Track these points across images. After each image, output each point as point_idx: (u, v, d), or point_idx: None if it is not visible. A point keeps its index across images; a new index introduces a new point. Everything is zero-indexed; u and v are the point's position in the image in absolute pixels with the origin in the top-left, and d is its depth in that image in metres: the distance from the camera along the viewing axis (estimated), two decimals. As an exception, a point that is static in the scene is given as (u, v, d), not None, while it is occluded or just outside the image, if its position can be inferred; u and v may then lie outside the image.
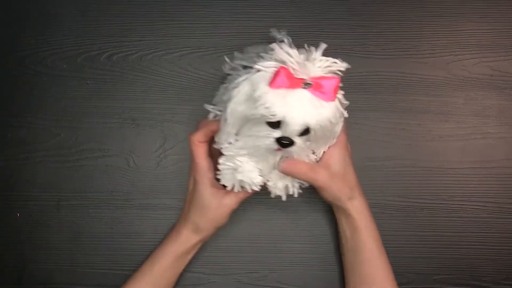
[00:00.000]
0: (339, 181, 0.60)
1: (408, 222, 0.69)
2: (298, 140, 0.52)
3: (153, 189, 0.69)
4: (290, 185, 0.60)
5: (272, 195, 0.61)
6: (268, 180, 0.59)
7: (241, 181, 0.58)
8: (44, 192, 0.69)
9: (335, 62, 0.53)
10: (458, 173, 0.69)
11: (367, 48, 0.70)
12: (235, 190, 0.59)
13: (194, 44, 0.70)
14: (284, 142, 0.52)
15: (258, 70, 0.52)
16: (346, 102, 0.54)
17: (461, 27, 0.71)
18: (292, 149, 0.53)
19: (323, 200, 0.62)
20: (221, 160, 0.58)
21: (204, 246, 0.68)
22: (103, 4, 0.71)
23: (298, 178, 0.59)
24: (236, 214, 0.69)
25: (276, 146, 0.52)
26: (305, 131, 0.52)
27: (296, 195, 0.61)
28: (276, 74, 0.50)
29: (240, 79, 0.53)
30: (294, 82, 0.50)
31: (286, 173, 0.58)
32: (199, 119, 0.69)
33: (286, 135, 0.51)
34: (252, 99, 0.51)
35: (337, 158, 0.59)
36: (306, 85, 0.51)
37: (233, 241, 0.69)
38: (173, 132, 0.70)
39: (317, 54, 0.52)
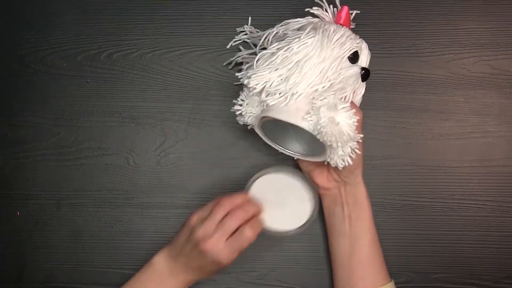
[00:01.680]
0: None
1: (408, 220, 0.69)
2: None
3: (153, 188, 0.69)
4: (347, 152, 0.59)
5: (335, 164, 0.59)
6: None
7: (339, 134, 0.55)
8: (44, 191, 0.69)
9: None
10: (458, 171, 0.69)
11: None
12: (321, 139, 0.56)
13: (194, 43, 0.70)
14: (364, 72, 0.61)
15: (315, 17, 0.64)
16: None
17: (461, 26, 0.71)
18: (363, 86, 0.62)
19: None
20: (323, 110, 0.55)
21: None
22: (103, 2, 0.71)
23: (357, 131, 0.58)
24: (236, 212, 0.69)
25: (359, 76, 0.60)
26: (367, 75, 0.62)
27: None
28: (340, 11, 0.63)
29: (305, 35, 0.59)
30: (348, 23, 0.63)
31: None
32: (199, 118, 0.70)
33: (364, 65, 0.61)
34: (325, 44, 0.58)
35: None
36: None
37: (233, 239, 0.69)
38: (173, 130, 0.70)
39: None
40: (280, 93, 0.57)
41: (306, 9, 0.64)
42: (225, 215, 0.58)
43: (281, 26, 0.64)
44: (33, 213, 0.69)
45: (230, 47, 0.70)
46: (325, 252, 0.68)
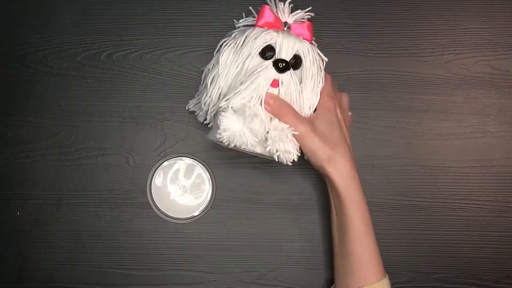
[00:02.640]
0: (320, 138, 0.58)
1: (408, 220, 0.69)
2: (291, 70, 0.58)
3: (153, 188, 0.69)
4: (287, 148, 0.58)
5: (273, 158, 0.59)
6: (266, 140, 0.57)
7: (232, 138, 0.56)
8: (44, 191, 0.69)
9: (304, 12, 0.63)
10: (458, 171, 0.69)
11: (366, 46, 0.70)
12: (230, 147, 0.57)
13: (194, 43, 0.70)
14: (281, 64, 0.57)
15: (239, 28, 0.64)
16: (325, 58, 0.62)
17: (461, 26, 0.71)
18: (290, 75, 0.58)
19: (312, 167, 0.61)
20: (222, 115, 0.56)
21: (204, 245, 0.68)
22: (103, 2, 0.71)
23: (282, 120, 0.58)
24: (236, 213, 0.69)
25: (272, 69, 0.57)
26: (296, 64, 0.58)
27: (290, 161, 0.58)
28: (261, 11, 0.60)
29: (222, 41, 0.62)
30: (277, 21, 0.60)
31: (272, 111, 0.58)
32: (199, 117, 0.69)
33: (282, 57, 0.58)
34: (240, 47, 0.59)
35: (322, 117, 0.60)
36: (286, 27, 0.60)
37: (233, 239, 0.69)
38: (173, 130, 0.70)
39: (284, 6, 0.62)
40: (199, 112, 0.64)
41: (236, 24, 0.66)
42: None
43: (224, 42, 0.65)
44: (33, 213, 0.69)
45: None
46: (325, 252, 0.68)
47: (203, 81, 0.63)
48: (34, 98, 0.70)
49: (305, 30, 0.61)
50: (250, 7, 0.64)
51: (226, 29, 0.70)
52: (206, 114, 0.63)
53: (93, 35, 0.71)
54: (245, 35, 0.59)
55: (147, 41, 0.70)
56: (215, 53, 0.63)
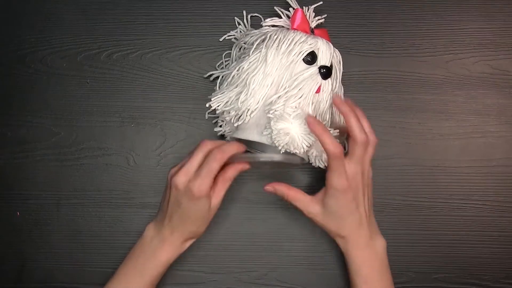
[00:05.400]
0: (334, 222, 0.60)
1: (408, 221, 0.69)
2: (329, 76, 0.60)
3: (153, 188, 0.69)
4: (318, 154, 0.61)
5: (309, 161, 0.63)
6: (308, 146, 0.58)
7: (292, 142, 0.57)
8: (44, 191, 0.69)
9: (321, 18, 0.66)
10: (458, 171, 0.69)
11: (366, 46, 0.70)
12: (282, 151, 0.58)
13: (194, 43, 0.70)
14: (324, 70, 0.59)
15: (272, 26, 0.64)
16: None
17: (461, 26, 0.71)
18: (328, 82, 0.60)
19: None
20: (272, 123, 0.57)
21: (203, 245, 0.68)
22: (103, 2, 0.71)
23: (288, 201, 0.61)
24: (236, 213, 0.69)
25: (318, 75, 0.59)
26: (328, 72, 0.60)
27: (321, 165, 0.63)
28: (293, 15, 0.61)
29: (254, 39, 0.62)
30: (306, 25, 0.62)
31: (274, 190, 0.61)
32: (199, 118, 0.70)
33: (324, 63, 0.59)
34: (286, 49, 0.59)
35: (339, 200, 0.58)
36: (312, 31, 0.62)
37: (233, 239, 0.69)
38: (173, 131, 0.70)
39: (310, 11, 0.66)
40: (235, 112, 0.60)
41: (262, 22, 0.65)
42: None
43: (241, 40, 0.66)
44: (33, 213, 0.69)
45: (223, 40, 0.70)
46: (325, 252, 0.68)
47: (231, 80, 0.61)
48: (34, 98, 0.70)
49: (326, 35, 0.63)
50: (276, 7, 0.66)
51: (226, 29, 0.70)
52: (238, 114, 0.60)
53: (93, 35, 0.71)
54: (291, 38, 0.59)
55: (147, 41, 0.70)
56: (251, 51, 0.60)
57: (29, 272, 0.69)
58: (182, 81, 0.70)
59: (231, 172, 0.60)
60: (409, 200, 0.69)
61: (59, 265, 0.69)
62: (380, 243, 0.61)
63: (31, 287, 0.69)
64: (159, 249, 0.60)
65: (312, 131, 0.56)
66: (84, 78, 0.70)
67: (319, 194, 0.60)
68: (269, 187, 0.61)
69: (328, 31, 0.64)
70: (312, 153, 0.61)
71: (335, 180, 0.57)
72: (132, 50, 0.70)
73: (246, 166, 0.61)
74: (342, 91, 0.64)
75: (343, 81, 0.66)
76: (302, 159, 0.61)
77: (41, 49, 0.70)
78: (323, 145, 0.55)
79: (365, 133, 0.57)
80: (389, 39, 0.70)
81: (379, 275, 0.60)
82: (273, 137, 0.57)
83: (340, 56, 0.63)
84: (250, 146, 0.63)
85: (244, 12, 0.70)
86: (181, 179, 0.57)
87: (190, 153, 0.59)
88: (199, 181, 0.56)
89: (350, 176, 0.57)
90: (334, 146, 0.55)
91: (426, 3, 0.71)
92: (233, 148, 0.58)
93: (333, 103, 0.58)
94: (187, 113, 0.70)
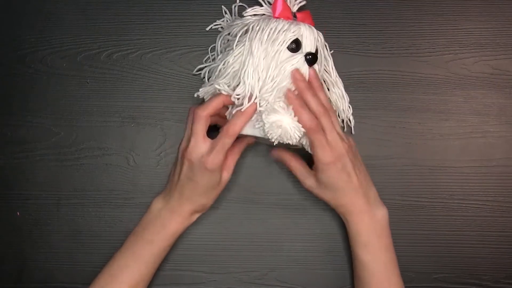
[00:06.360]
0: (330, 193, 0.62)
1: (408, 221, 0.69)
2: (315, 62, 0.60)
3: (153, 188, 0.69)
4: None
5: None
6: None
7: (285, 134, 0.58)
8: (44, 191, 0.69)
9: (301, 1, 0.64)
10: (458, 171, 0.69)
11: (366, 46, 0.70)
12: (275, 143, 0.59)
13: (194, 43, 0.70)
14: (310, 57, 0.59)
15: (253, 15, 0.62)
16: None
17: (461, 26, 0.71)
18: (315, 67, 0.60)
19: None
20: (264, 116, 0.58)
21: (204, 245, 0.68)
22: (103, 2, 0.71)
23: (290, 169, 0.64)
24: (236, 213, 0.69)
25: (304, 63, 0.58)
26: (314, 59, 0.59)
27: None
28: (274, 3, 0.60)
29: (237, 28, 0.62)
30: (288, 11, 0.61)
31: (278, 157, 0.64)
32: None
33: (309, 50, 0.59)
34: (269, 38, 0.58)
35: (330, 172, 0.60)
36: (294, 16, 0.61)
37: (233, 239, 0.69)
38: (173, 130, 0.70)
39: None
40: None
41: (244, 12, 0.64)
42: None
43: (225, 31, 0.67)
44: (33, 213, 0.69)
45: (209, 29, 0.70)
46: (325, 252, 0.68)
47: (219, 73, 0.61)
48: (34, 98, 0.70)
49: (309, 18, 0.62)
50: None
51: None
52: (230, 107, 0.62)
53: (93, 35, 0.71)
54: (274, 27, 0.59)
55: (147, 41, 0.70)
56: (234, 44, 0.60)
57: (29, 272, 0.69)
58: (182, 81, 0.70)
59: (240, 146, 0.63)
60: (409, 200, 0.69)
61: (59, 265, 0.69)
62: (380, 211, 0.62)
63: (31, 287, 0.69)
64: (168, 220, 0.62)
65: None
66: (84, 78, 0.70)
67: (313, 169, 0.62)
68: (275, 153, 0.64)
69: (310, 12, 0.63)
70: (305, 142, 0.61)
71: (320, 153, 0.58)
72: (132, 50, 0.70)
73: (252, 140, 0.64)
74: (332, 62, 0.65)
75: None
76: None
77: (41, 49, 0.70)
78: (299, 121, 0.57)
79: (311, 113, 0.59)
80: (389, 39, 0.70)
81: (378, 240, 0.62)
82: (265, 130, 0.58)
83: (323, 38, 0.62)
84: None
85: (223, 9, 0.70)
86: (194, 152, 0.59)
87: (187, 123, 0.62)
88: (213, 155, 0.58)
89: (333, 147, 0.58)
90: (310, 120, 0.57)
91: (426, 3, 0.71)
92: (241, 117, 0.58)
93: (291, 79, 0.59)
94: (187, 113, 0.70)
